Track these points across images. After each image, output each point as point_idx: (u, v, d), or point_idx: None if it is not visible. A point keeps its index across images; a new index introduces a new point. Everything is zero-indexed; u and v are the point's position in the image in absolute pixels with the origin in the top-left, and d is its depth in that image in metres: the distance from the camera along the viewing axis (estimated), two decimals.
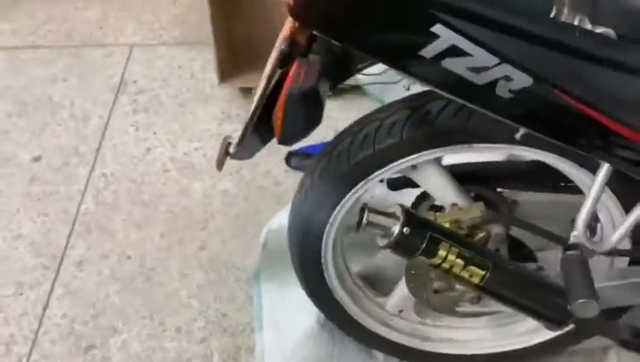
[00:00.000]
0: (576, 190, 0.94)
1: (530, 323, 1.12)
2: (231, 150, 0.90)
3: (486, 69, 0.66)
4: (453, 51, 0.65)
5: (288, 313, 1.26)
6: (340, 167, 0.91)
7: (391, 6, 0.65)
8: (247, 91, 1.88)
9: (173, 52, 2.05)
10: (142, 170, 1.66)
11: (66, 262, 1.45)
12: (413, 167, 0.92)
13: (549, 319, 0.80)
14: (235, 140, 0.90)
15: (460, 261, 0.75)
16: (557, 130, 0.72)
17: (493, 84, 0.67)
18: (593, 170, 0.81)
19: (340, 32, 0.69)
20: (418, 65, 0.68)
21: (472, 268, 0.75)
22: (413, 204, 1.06)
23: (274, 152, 1.72)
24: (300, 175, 1.61)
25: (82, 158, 1.70)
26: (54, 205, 1.58)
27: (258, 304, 1.31)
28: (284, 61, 0.70)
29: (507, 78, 0.66)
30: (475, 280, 0.76)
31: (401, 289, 1.13)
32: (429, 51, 0.66)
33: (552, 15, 0.66)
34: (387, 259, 1.29)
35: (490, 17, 0.64)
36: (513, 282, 0.79)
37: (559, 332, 1.09)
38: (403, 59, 0.69)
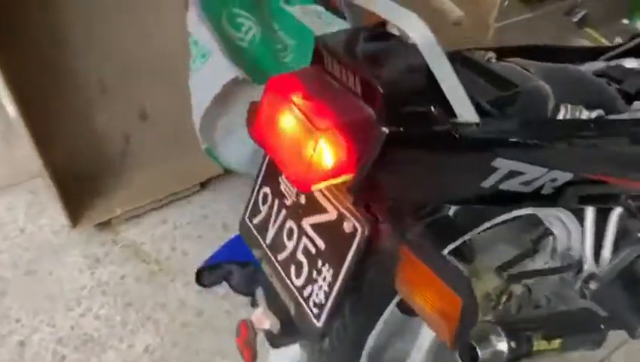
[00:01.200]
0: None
1: None
2: (269, 339, 0.80)
3: (536, 179, 0.71)
4: (511, 175, 0.69)
5: None
6: (372, 297, 0.87)
7: (456, 165, 0.66)
8: (103, 226, 1.62)
9: None
10: None
11: None
12: None
13: (596, 342, 0.91)
14: (267, 325, 0.80)
15: (544, 341, 0.80)
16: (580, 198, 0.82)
17: (540, 188, 0.73)
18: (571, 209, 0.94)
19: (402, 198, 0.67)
20: (476, 195, 0.70)
21: (555, 340, 0.81)
22: None
23: (171, 280, 1.53)
24: (216, 290, 1.49)
25: None
26: None
27: None
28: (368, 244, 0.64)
29: (553, 180, 0.72)
30: (556, 345, 0.82)
31: None
32: (489, 181, 0.68)
33: (560, 116, 0.75)
34: None
35: (532, 138, 0.69)
36: (577, 330, 0.87)
37: None
38: (463, 196, 0.70)
